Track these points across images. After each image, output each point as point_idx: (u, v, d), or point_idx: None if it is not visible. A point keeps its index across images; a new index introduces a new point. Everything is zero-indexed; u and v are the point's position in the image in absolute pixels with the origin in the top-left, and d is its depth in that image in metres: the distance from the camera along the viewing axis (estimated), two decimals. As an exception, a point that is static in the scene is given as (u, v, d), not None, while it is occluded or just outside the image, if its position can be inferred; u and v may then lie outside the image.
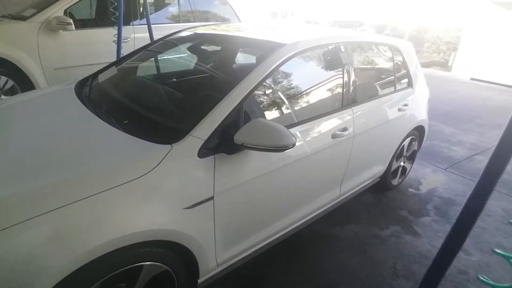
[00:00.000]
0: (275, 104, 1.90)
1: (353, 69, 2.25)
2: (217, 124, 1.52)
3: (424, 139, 3.31)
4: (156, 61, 2.65)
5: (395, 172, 3.12)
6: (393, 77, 2.71)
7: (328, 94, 2.17)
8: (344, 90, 2.19)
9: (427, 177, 3.55)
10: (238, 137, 1.50)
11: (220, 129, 1.53)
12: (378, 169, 2.76)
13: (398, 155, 2.99)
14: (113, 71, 2.29)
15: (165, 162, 1.39)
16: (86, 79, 2.33)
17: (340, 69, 2.18)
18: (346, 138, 2.14)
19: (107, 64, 2.47)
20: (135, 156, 1.41)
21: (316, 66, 2.18)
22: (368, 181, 2.74)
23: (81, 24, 4.35)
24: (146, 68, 2.52)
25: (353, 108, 2.23)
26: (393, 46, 2.75)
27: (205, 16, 5.33)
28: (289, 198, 1.97)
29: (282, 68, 1.87)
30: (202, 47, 2.53)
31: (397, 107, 2.66)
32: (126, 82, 2.28)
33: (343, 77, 2.19)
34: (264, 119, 1.57)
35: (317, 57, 2.14)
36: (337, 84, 2.19)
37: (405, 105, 2.74)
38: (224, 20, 5.58)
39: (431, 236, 2.59)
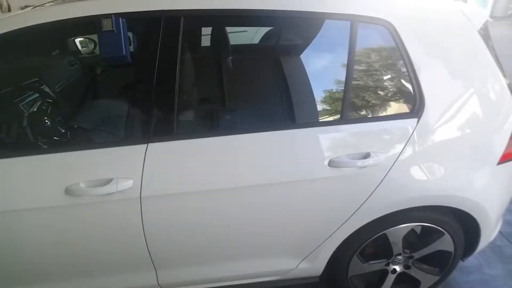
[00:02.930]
0: None
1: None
2: None
3: (481, 241, 1.47)
4: None
5: (378, 281, 1.56)
6: (339, 92, 1.22)
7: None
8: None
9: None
10: None
11: None
12: (272, 265, 1.41)
13: (371, 253, 1.46)
14: None
15: None
16: None
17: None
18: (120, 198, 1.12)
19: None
20: None
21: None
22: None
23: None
24: None
25: (149, 145, 1.12)
26: (358, 19, 1.18)
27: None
28: None
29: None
30: None
31: (329, 158, 1.19)
32: None
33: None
34: None
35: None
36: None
37: (367, 155, 1.20)
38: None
39: None
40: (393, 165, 1.24)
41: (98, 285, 1.32)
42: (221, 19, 1.30)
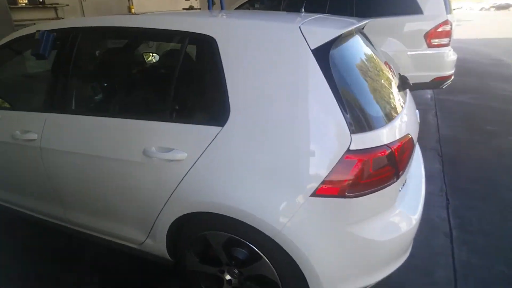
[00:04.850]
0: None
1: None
2: None
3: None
4: None
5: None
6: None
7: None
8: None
9: None
10: None
11: None
12: (132, 233, 1.67)
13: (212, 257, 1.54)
14: None
15: None
16: None
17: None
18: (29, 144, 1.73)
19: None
20: None
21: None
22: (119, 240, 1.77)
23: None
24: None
25: (49, 114, 1.68)
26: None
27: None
28: None
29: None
30: None
31: (144, 147, 1.42)
32: None
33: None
34: None
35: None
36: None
37: (170, 151, 1.36)
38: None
39: None
40: (192, 166, 1.34)
41: (26, 204, 1.98)
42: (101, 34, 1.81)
